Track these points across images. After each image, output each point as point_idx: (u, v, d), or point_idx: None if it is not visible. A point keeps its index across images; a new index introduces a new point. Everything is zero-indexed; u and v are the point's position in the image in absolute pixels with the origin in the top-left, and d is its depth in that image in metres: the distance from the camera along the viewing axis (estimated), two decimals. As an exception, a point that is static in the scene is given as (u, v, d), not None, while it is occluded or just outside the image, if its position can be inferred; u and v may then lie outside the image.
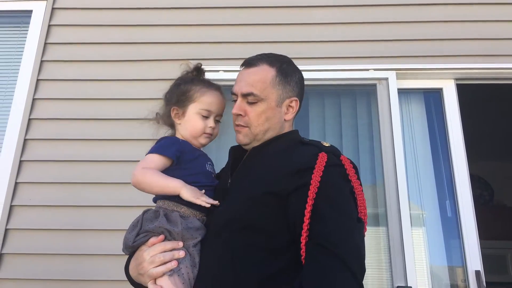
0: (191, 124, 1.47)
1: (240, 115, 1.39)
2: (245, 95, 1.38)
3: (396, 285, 2.38)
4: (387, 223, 2.50)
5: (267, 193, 1.21)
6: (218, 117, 1.49)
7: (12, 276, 2.45)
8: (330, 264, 1.08)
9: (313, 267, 1.09)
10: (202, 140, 1.48)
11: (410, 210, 2.52)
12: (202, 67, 1.59)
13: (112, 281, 2.41)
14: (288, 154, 1.32)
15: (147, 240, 1.30)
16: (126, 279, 2.30)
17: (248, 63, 1.44)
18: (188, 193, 1.31)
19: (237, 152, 1.48)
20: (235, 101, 1.43)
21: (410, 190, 2.65)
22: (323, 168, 1.20)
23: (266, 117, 1.37)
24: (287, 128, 1.44)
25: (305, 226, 1.13)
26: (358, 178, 1.25)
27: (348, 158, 1.29)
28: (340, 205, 1.18)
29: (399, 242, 2.44)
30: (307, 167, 1.21)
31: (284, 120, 1.42)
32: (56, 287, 2.43)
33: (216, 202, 1.31)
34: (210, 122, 1.47)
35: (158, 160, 1.38)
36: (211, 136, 1.49)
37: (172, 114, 1.50)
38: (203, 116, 1.46)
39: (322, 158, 1.22)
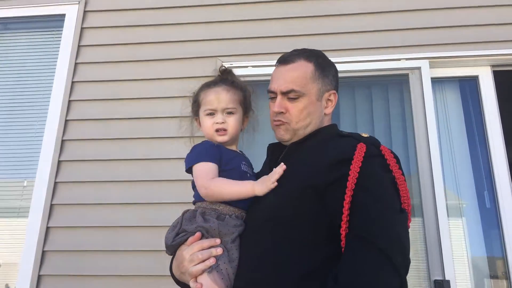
0: (203, 127, 1.49)
1: (282, 112, 1.38)
2: (285, 93, 1.38)
3: (433, 278, 2.33)
4: (422, 215, 2.46)
5: (306, 186, 1.20)
6: (226, 110, 1.45)
7: (53, 272, 2.54)
8: (369, 256, 1.05)
9: (351, 259, 1.07)
10: (218, 138, 1.44)
11: (446, 201, 2.46)
12: (226, 67, 1.58)
13: (149, 276, 2.46)
14: (326, 147, 1.31)
15: (186, 239, 1.33)
16: (162, 274, 2.35)
17: (285, 60, 1.43)
18: (262, 188, 1.29)
19: (275, 149, 1.48)
20: (272, 98, 1.43)
21: (448, 181, 2.60)
22: (362, 158, 1.17)
23: (307, 112, 1.37)
24: (326, 122, 1.44)
25: (344, 218, 1.11)
26: (400, 168, 1.22)
27: (388, 148, 1.26)
28: (380, 195, 1.15)
29: (435, 234, 2.40)
30: (345, 158, 1.19)
31: (324, 114, 1.42)
32: (93, 282, 2.51)
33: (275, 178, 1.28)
34: (217, 118, 1.44)
35: (213, 167, 1.38)
36: (226, 132, 1.45)
37: (197, 126, 1.53)
38: (209, 115, 1.46)
39: (361, 149, 1.20)
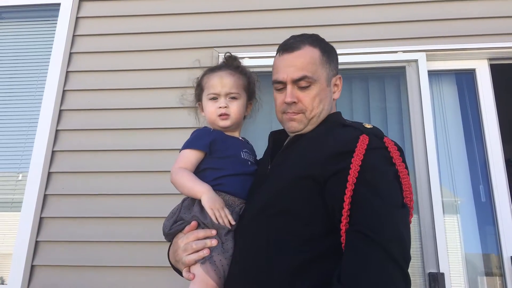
0: (206, 111, 1.49)
1: (294, 102, 1.33)
2: (297, 80, 1.32)
3: (428, 271, 2.33)
4: (418, 210, 2.45)
5: (304, 177, 1.17)
6: (230, 95, 1.45)
7: (46, 263, 2.53)
8: (370, 253, 1.02)
9: (352, 255, 1.05)
10: (220, 122, 1.45)
11: (442, 196, 2.45)
12: (231, 54, 1.57)
13: (143, 267, 2.45)
14: (327, 137, 1.27)
15: (183, 227, 1.32)
16: (158, 265, 2.36)
17: (290, 47, 1.36)
18: (207, 201, 1.28)
19: (277, 137, 1.46)
20: (279, 90, 1.38)
21: (443, 176, 2.59)
22: (364, 151, 1.14)
23: (319, 99, 1.34)
24: (334, 108, 1.42)
25: (344, 213, 1.08)
26: (404, 161, 1.18)
27: (392, 140, 1.22)
28: (382, 190, 1.11)
29: (431, 229, 2.39)
30: (347, 150, 1.15)
31: (333, 99, 1.40)
32: (87, 273, 2.49)
33: (228, 224, 1.28)
34: (220, 103, 1.44)
35: (192, 155, 1.39)
36: (229, 116, 1.45)
37: (200, 111, 1.54)
38: (213, 99, 1.46)
39: (363, 141, 1.16)
